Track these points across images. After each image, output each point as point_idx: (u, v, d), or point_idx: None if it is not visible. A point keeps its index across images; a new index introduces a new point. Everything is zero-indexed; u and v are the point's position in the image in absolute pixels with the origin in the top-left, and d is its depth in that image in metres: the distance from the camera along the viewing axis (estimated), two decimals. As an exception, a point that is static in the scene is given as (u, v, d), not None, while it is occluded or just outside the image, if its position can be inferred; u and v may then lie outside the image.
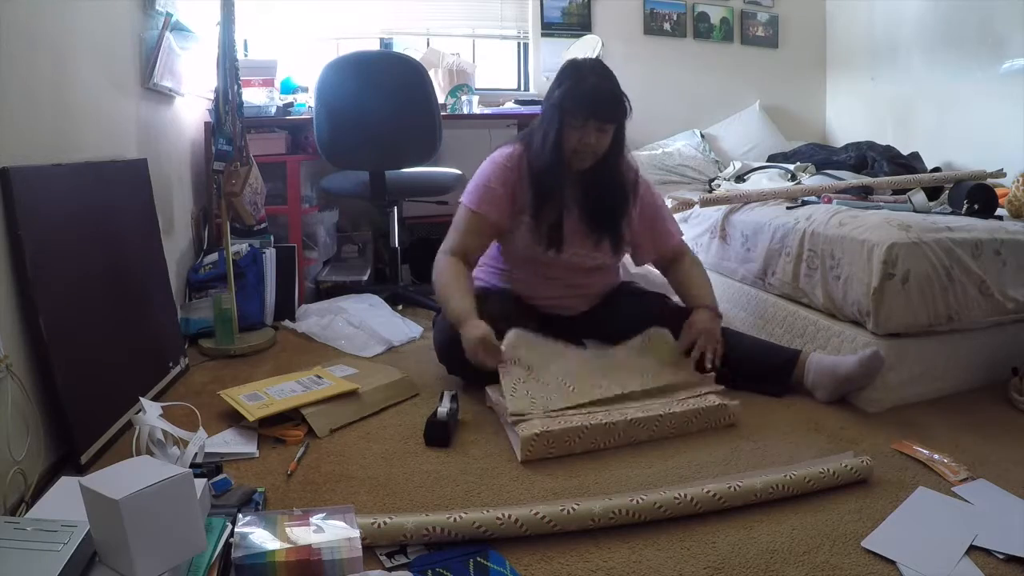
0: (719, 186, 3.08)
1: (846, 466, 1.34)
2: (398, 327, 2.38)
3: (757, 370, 1.81)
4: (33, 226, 1.34)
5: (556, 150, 1.74)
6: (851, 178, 2.58)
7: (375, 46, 3.42)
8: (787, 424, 1.64)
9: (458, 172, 2.80)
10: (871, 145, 3.06)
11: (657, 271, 2.08)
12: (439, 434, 1.54)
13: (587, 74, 1.73)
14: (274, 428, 1.57)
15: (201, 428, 1.44)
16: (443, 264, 1.78)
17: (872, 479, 1.36)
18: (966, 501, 1.28)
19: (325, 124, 2.52)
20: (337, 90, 2.50)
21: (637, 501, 1.21)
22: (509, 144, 1.88)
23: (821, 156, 3.10)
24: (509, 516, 1.16)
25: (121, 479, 0.90)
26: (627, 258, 2.06)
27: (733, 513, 1.25)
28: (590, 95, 1.70)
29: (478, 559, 1.09)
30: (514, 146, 1.86)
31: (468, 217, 1.81)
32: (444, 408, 1.58)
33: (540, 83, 3.61)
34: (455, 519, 1.15)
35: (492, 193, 1.79)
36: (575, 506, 1.19)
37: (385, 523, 1.13)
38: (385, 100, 2.49)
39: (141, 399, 1.44)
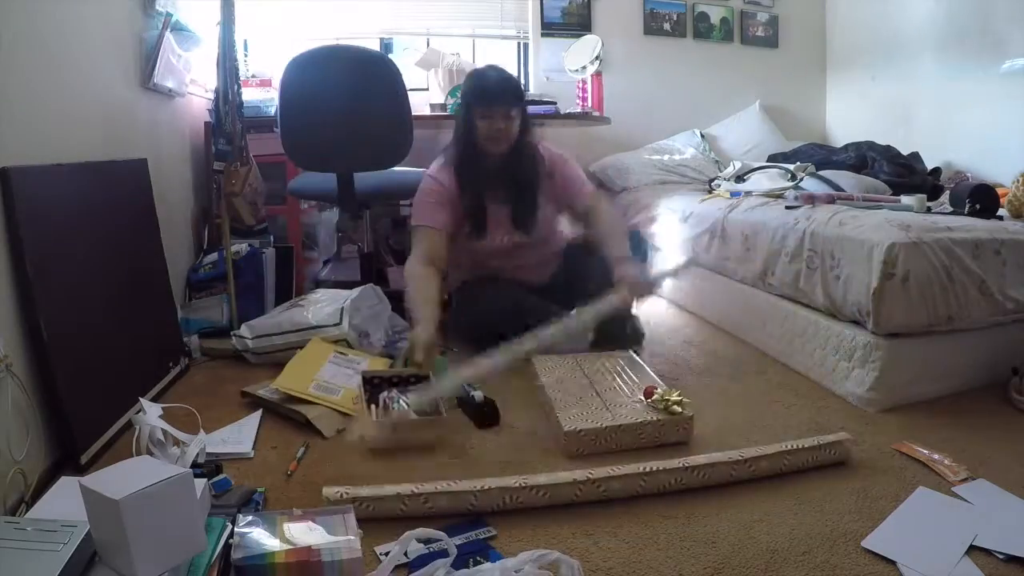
0: (719, 186, 3.07)
1: (821, 444, 1.41)
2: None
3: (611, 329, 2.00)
4: (33, 226, 1.34)
5: (468, 137, 2.00)
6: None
7: (375, 46, 3.42)
8: (787, 424, 1.64)
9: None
10: (871, 145, 3.05)
11: None
12: (491, 413, 1.64)
13: (485, 71, 2.06)
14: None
15: (201, 429, 1.44)
16: (410, 270, 1.98)
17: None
18: (966, 501, 1.28)
19: (287, 123, 2.29)
20: (299, 88, 2.26)
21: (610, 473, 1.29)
22: (440, 157, 2.11)
23: (821, 156, 3.09)
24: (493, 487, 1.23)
25: (121, 479, 0.90)
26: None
27: (733, 513, 1.25)
28: (490, 85, 1.99)
29: (479, 559, 1.10)
30: (443, 158, 2.10)
31: (421, 232, 2.04)
32: (477, 392, 1.66)
33: (540, 83, 3.62)
34: (439, 488, 1.22)
35: (431, 206, 2.03)
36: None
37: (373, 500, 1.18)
38: (349, 98, 2.25)
39: (141, 399, 1.44)
